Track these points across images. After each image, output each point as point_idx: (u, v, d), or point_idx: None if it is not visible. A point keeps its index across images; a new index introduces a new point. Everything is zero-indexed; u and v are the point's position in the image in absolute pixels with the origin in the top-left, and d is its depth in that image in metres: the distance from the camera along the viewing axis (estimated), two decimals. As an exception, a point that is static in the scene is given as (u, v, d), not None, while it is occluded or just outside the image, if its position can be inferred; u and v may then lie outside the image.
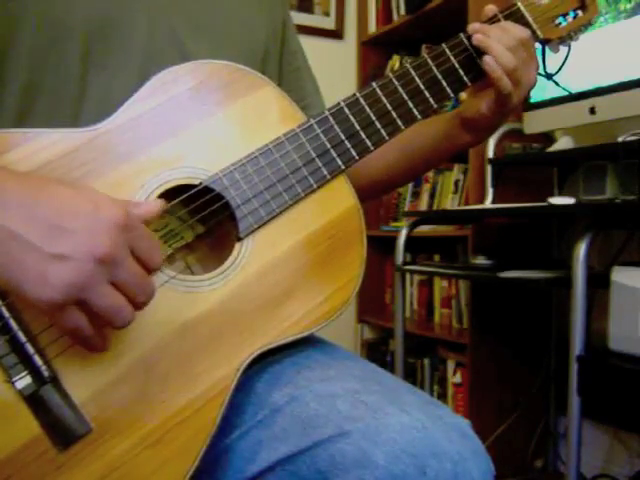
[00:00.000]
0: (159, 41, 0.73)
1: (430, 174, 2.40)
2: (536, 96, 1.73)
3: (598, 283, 1.33)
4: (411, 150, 0.86)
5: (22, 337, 0.57)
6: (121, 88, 0.69)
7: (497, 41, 0.73)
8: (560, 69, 0.84)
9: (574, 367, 1.28)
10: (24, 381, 0.57)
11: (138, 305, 0.55)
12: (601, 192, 1.58)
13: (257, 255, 0.66)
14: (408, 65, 0.74)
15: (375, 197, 0.96)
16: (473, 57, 0.76)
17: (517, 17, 0.77)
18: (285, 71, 0.88)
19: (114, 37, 0.71)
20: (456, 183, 2.28)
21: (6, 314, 0.57)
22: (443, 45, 0.76)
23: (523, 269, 1.49)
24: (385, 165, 0.87)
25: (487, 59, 0.74)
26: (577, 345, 1.28)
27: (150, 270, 0.56)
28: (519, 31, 0.75)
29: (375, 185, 0.89)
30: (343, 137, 0.71)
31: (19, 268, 0.51)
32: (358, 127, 0.72)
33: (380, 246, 2.55)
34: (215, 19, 0.79)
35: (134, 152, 0.64)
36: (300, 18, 2.52)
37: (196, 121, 0.67)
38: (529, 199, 1.69)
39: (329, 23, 2.66)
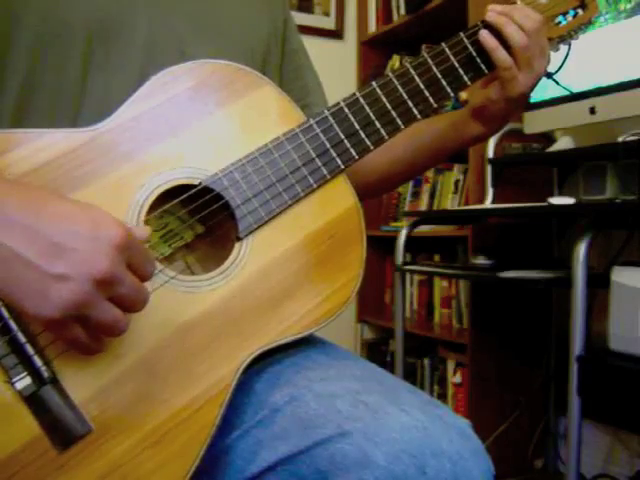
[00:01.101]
0: (160, 41, 0.73)
1: (430, 174, 2.40)
2: (536, 96, 1.73)
3: (598, 283, 1.33)
4: (417, 145, 0.86)
5: (22, 338, 0.57)
6: (121, 88, 0.69)
7: (512, 22, 0.75)
8: (560, 68, 0.84)
9: (574, 367, 1.28)
10: (24, 382, 0.57)
11: (134, 312, 0.56)
12: (601, 192, 1.58)
13: (257, 255, 0.66)
14: (408, 64, 0.74)
15: (382, 193, 0.97)
16: (473, 56, 0.76)
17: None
18: (286, 70, 0.88)
19: (115, 37, 0.71)
20: (456, 183, 2.28)
21: (6, 315, 0.57)
22: (443, 44, 0.76)
23: (523, 269, 1.49)
24: (391, 161, 0.87)
25: (483, 32, 0.75)
26: (577, 345, 1.28)
27: (142, 281, 0.56)
28: (538, 16, 0.76)
29: (382, 181, 0.90)
30: (343, 137, 0.71)
31: (19, 286, 0.51)
32: (358, 126, 0.72)
33: (380, 246, 2.55)
34: (216, 19, 0.79)
35: (134, 152, 0.64)
36: (300, 18, 2.51)
37: (196, 121, 0.67)
38: (529, 199, 1.69)
39: (329, 23, 2.66)
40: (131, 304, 0.55)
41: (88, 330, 0.54)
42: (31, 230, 0.51)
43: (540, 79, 0.77)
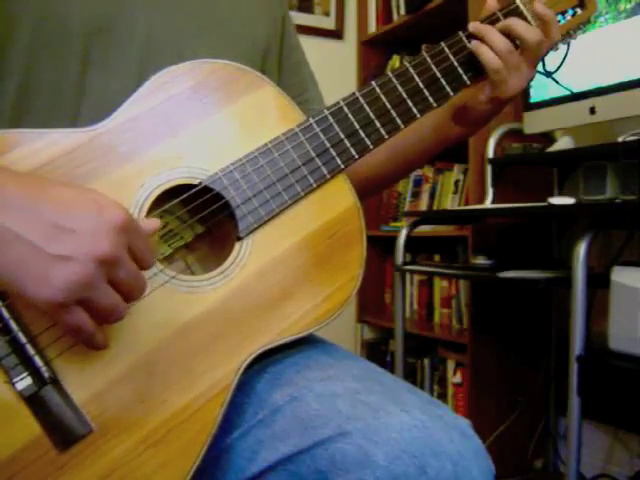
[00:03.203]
0: (158, 41, 0.73)
1: (430, 174, 2.40)
2: (536, 96, 1.73)
3: (598, 283, 1.33)
4: (401, 148, 0.85)
5: (22, 338, 0.57)
6: (120, 88, 0.69)
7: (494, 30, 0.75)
8: (560, 67, 0.84)
9: (574, 367, 1.28)
10: (24, 382, 0.56)
11: (131, 301, 0.56)
12: (601, 192, 1.58)
13: (257, 254, 0.66)
14: (407, 64, 0.74)
15: (368, 196, 0.95)
16: (472, 56, 0.76)
17: (516, 15, 0.77)
18: (285, 66, 0.88)
19: (113, 37, 0.71)
20: (456, 183, 2.28)
21: (6, 315, 0.56)
22: (442, 44, 0.76)
23: (523, 269, 1.49)
24: (376, 164, 0.86)
25: (473, 40, 0.76)
26: (577, 345, 1.28)
27: (142, 269, 0.56)
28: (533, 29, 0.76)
29: (368, 184, 0.89)
30: (342, 136, 0.71)
31: (21, 269, 0.51)
32: (357, 126, 0.72)
33: (380, 246, 2.55)
34: (215, 17, 0.79)
35: (134, 152, 0.64)
36: (300, 18, 2.51)
37: (195, 121, 0.67)
38: (529, 199, 1.69)
39: (329, 23, 2.66)
40: (130, 291, 0.55)
41: (90, 315, 0.54)
42: (32, 212, 0.51)
43: (530, 81, 0.78)
